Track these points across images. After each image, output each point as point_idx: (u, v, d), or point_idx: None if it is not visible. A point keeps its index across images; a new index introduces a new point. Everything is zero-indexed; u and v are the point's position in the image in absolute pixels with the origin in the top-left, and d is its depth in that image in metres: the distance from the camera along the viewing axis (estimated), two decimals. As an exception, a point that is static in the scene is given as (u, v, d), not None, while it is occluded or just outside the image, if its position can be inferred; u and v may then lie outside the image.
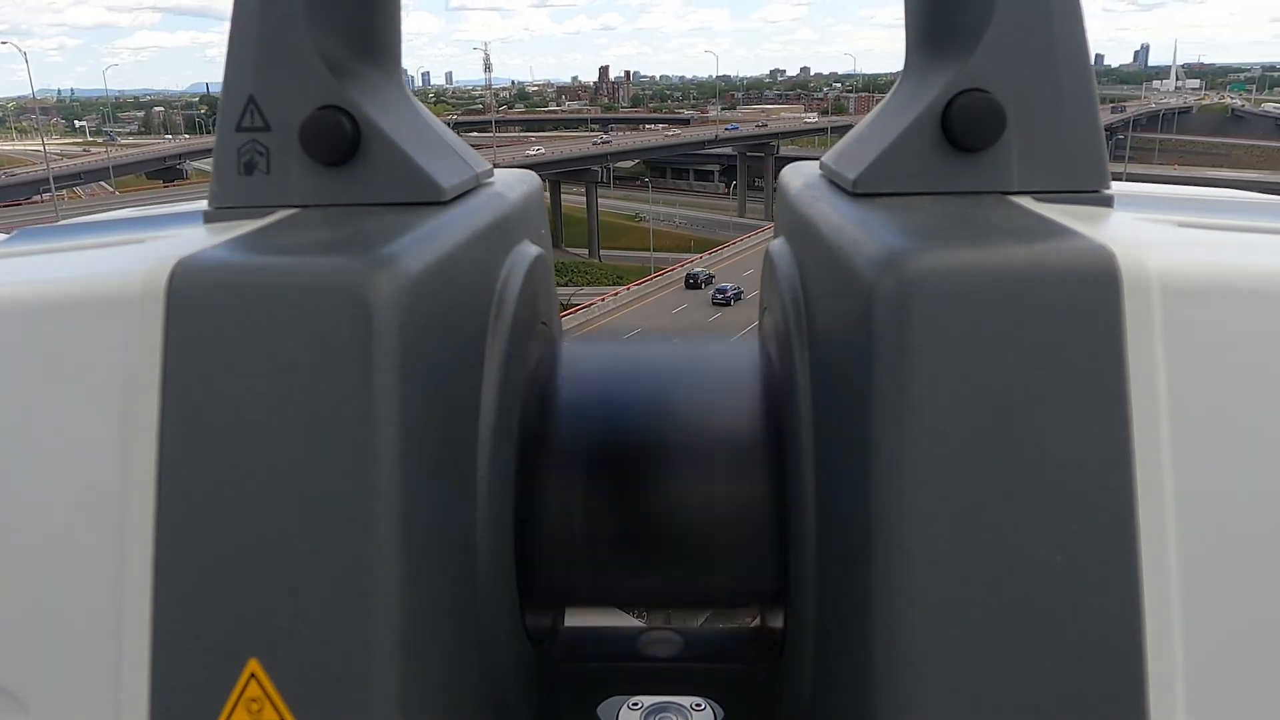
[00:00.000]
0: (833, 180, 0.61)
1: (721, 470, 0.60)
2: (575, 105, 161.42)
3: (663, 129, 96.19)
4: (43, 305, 0.47)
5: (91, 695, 0.43)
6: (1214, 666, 0.40)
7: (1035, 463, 0.40)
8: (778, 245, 0.68)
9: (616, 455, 0.60)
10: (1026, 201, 0.53)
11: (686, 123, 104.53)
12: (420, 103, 0.66)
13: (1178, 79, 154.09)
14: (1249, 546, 0.40)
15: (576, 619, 0.76)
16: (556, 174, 59.30)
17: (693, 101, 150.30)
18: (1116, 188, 0.55)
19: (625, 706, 0.69)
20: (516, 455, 0.59)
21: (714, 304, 34.22)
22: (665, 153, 79.41)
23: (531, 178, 0.77)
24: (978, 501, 0.40)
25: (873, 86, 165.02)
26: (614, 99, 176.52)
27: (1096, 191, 0.54)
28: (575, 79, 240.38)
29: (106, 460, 0.44)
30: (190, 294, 0.44)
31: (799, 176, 0.69)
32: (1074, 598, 0.40)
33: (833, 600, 0.49)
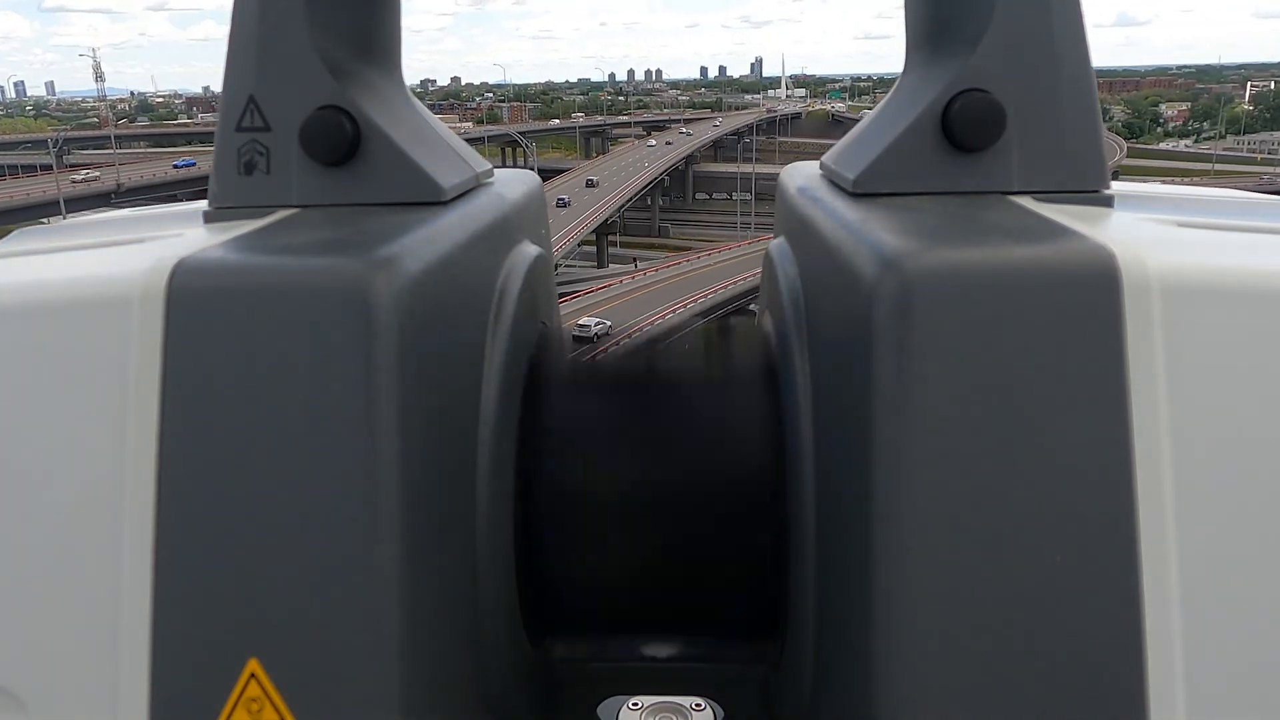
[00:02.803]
0: (833, 180, 0.61)
1: (723, 469, 0.59)
2: (211, 117, 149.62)
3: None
4: (43, 305, 0.46)
5: (91, 695, 0.43)
6: (1214, 666, 0.40)
7: (1035, 462, 0.40)
8: (778, 245, 0.68)
9: (616, 455, 0.60)
10: (1027, 202, 0.53)
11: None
12: (420, 103, 0.66)
13: (787, 89, 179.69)
14: (1249, 546, 0.40)
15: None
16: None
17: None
18: (1116, 187, 0.56)
19: (625, 706, 0.68)
20: (516, 455, 0.59)
21: (557, 206, 49.85)
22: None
23: (532, 178, 0.77)
24: (977, 501, 0.40)
25: (523, 96, 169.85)
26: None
27: (1096, 191, 0.54)
28: (207, 89, 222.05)
29: (106, 460, 0.43)
30: (190, 294, 0.43)
31: (799, 176, 0.68)
32: (1074, 597, 0.40)
33: (832, 600, 0.49)
